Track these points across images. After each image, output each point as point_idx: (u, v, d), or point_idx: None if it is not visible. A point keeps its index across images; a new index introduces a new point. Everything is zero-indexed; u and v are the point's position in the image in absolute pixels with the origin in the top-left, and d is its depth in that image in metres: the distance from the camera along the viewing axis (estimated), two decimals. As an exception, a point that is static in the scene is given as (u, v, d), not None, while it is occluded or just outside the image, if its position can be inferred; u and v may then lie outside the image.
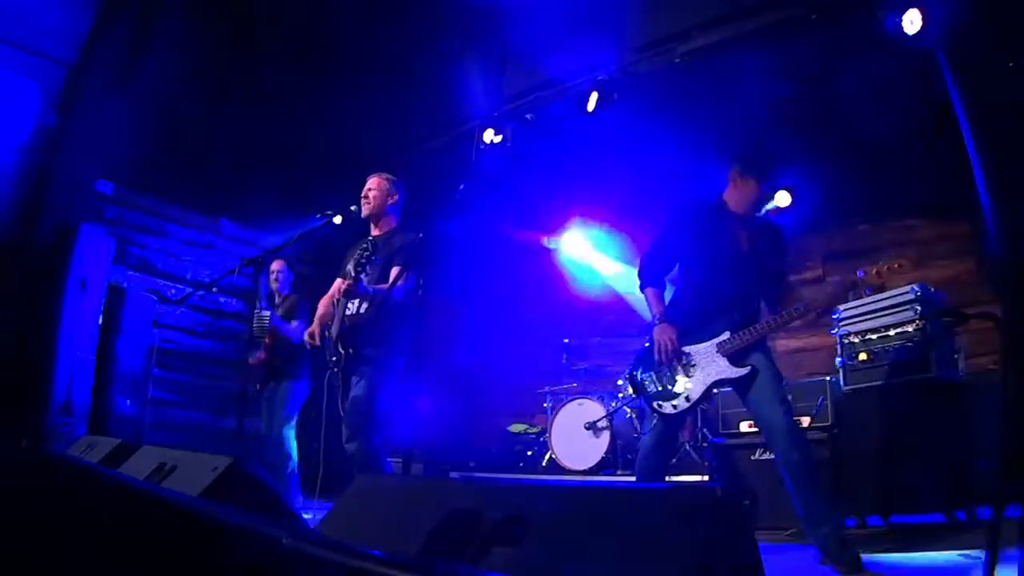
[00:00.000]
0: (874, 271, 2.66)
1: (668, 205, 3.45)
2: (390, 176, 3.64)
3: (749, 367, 2.79)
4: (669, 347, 2.90)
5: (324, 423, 3.28)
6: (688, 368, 2.90)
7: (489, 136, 5.35)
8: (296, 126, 5.90)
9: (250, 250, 4.39)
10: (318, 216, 4.19)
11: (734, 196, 3.05)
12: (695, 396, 2.85)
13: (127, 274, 5.45)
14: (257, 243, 6.48)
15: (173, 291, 5.89)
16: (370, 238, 3.51)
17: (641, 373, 3.05)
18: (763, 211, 3.18)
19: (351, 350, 3.18)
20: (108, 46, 4.51)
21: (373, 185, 3.58)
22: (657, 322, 2.98)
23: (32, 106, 4.46)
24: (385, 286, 3.21)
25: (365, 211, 3.54)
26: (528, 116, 5.31)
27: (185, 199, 6.51)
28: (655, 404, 2.95)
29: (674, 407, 2.88)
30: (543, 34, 4.63)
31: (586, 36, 4.66)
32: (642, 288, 3.11)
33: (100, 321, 4.63)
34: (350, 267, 3.18)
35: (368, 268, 3.21)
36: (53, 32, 4.46)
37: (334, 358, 3.23)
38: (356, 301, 3.27)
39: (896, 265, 2.63)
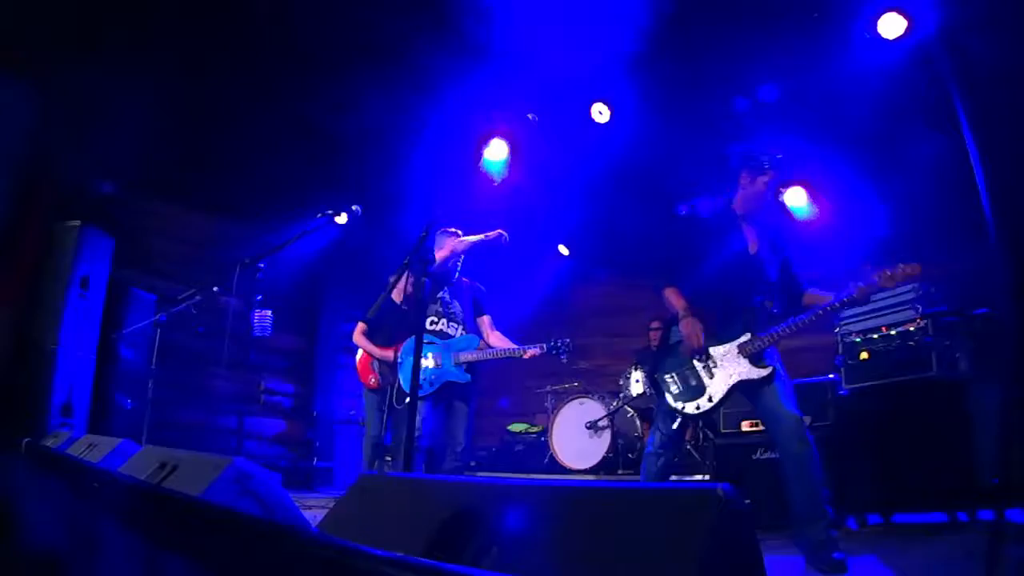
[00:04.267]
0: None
1: (671, 205, 3.44)
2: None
3: (770, 368, 2.81)
4: (698, 339, 2.87)
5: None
6: (711, 368, 2.90)
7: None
8: (298, 126, 5.89)
9: (251, 249, 4.40)
10: (319, 216, 4.20)
11: (741, 198, 3.07)
12: (718, 396, 2.86)
13: (128, 273, 5.44)
14: (258, 242, 6.48)
15: (174, 290, 5.88)
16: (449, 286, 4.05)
17: (661, 373, 3.03)
18: (772, 212, 3.16)
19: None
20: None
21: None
22: (683, 315, 2.95)
23: (33, 106, 4.45)
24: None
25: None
26: (530, 116, 5.30)
27: (186, 198, 6.51)
28: (677, 404, 2.95)
29: (697, 407, 2.89)
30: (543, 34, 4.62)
31: (587, 35, 4.65)
32: (664, 286, 3.07)
33: (101, 320, 4.62)
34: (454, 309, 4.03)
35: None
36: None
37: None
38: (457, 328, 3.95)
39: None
